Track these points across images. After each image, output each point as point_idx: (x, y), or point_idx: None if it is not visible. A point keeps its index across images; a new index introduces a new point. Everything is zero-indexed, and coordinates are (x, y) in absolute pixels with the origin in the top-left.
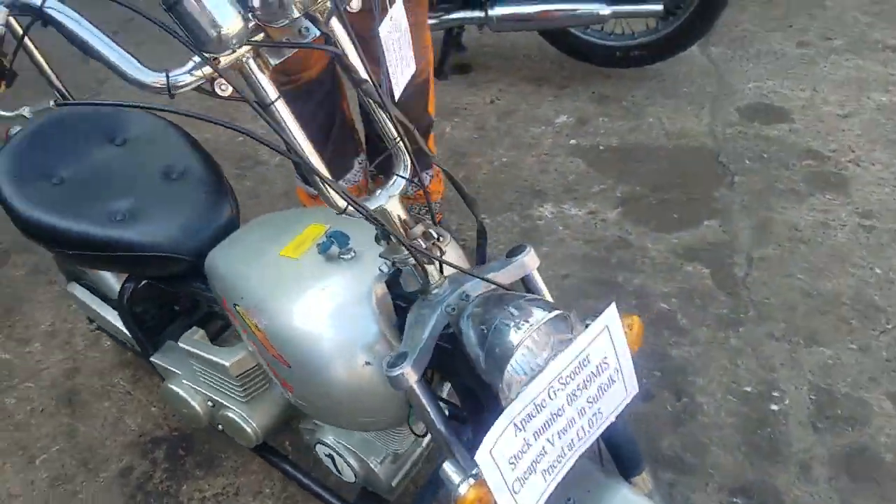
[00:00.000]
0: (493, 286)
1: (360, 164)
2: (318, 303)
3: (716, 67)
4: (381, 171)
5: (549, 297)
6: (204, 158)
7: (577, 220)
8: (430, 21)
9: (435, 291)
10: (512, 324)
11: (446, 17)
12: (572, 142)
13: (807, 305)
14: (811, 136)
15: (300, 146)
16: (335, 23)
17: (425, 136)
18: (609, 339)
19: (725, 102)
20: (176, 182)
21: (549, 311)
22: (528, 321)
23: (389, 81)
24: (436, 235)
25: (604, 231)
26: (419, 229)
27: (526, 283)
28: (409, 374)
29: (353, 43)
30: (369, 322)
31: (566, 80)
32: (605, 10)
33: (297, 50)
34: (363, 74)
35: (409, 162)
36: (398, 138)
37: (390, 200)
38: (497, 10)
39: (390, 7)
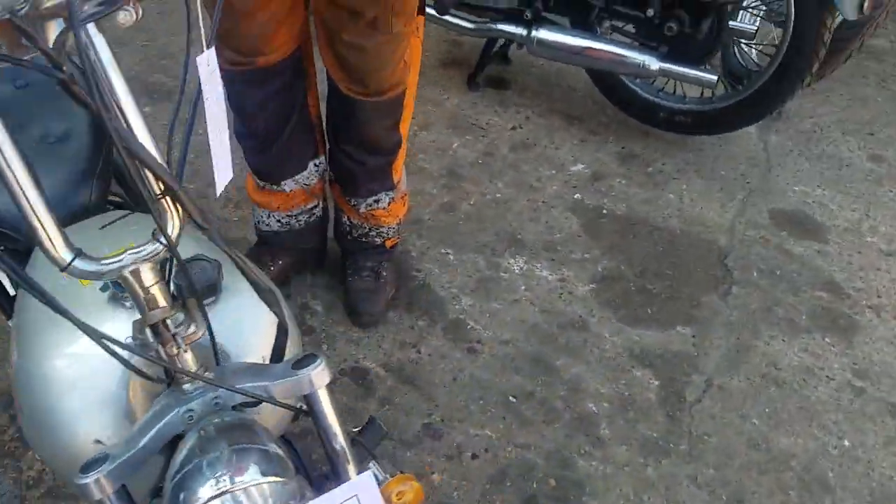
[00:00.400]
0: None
1: (316, 166)
2: (70, 350)
3: (767, 157)
4: (338, 179)
5: (334, 424)
6: (94, 128)
7: (543, 284)
8: (470, 25)
9: (186, 386)
10: (217, 473)
11: (487, 25)
12: (577, 196)
13: (748, 458)
14: (840, 265)
15: (7, 169)
16: (94, 33)
17: (391, 156)
18: None
19: (761, 200)
20: (49, 147)
21: (267, 476)
22: (234, 479)
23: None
24: (173, 328)
25: (566, 305)
26: (158, 314)
27: (308, 402)
28: (103, 485)
29: (93, 70)
30: (120, 393)
31: (599, 127)
32: (654, 64)
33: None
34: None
35: (175, 223)
36: (161, 194)
37: (133, 266)
38: (541, 33)
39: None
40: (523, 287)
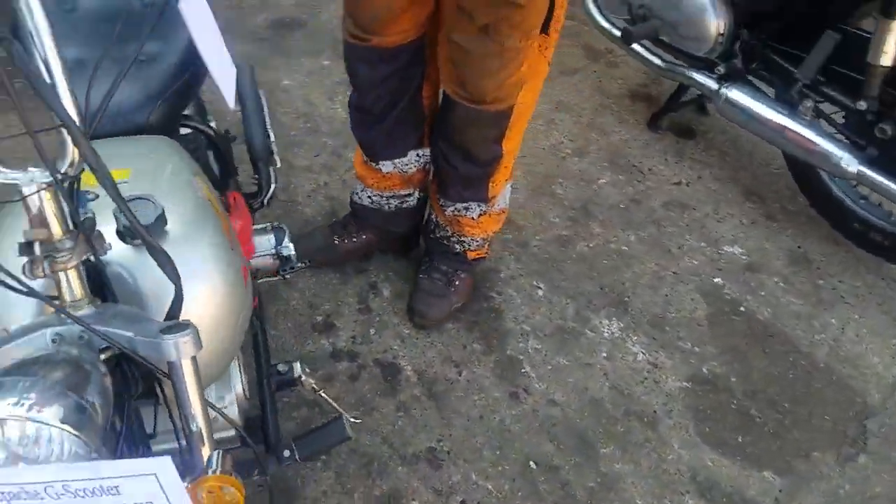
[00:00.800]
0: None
1: (418, 156)
2: None
3: None
4: (434, 175)
5: (193, 402)
6: (181, 56)
7: (629, 360)
8: (659, 63)
9: (70, 308)
10: (22, 397)
11: (677, 68)
12: (717, 280)
13: None
14: None
15: None
16: None
17: (487, 167)
18: (160, 489)
19: None
20: (137, 64)
21: (64, 424)
22: (31, 410)
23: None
24: (42, 252)
25: (644, 393)
26: (31, 234)
27: (169, 370)
28: None
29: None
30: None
31: (781, 214)
32: (853, 166)
33: None
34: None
35: (70, 154)
36: (61, 123)
37: (30, 187)
38: (731, 91)
39: None
40: (604, 354)
